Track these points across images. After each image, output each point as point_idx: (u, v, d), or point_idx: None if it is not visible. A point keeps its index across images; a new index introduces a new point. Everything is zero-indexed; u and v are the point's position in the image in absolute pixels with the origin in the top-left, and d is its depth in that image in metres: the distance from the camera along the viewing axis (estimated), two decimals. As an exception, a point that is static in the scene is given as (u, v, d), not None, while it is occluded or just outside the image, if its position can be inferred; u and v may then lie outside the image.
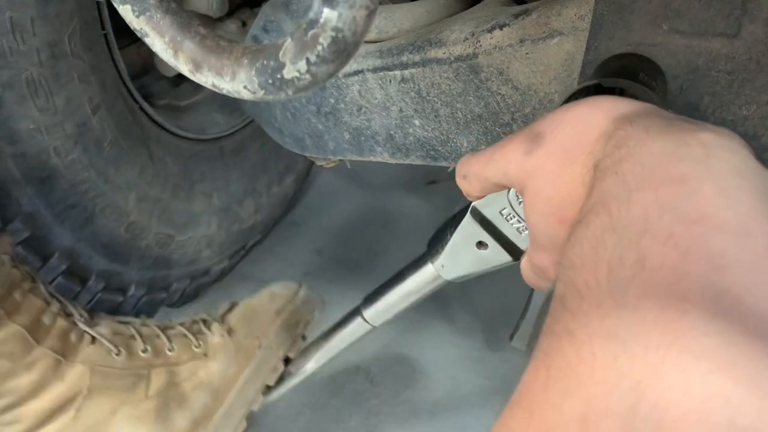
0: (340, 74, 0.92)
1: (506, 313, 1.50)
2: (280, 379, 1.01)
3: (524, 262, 0.59)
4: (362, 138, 0.96)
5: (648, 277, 0.31)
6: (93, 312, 0.97)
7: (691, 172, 0.36)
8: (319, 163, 1.14)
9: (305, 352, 0.94)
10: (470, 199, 0.61)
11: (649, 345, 0.29)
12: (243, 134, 1.41)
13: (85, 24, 0.97)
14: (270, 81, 0.42)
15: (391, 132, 0.93)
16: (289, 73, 0.40)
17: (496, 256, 0.61)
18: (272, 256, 1.58)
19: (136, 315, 1.26)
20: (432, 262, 0.68)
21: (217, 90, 0.45)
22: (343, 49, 0.39)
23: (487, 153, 0.53)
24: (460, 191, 0.60)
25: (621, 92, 0.57)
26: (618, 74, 0.63)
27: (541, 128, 0.48)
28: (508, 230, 0.59)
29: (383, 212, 1.75)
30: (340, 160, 1.09)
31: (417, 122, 0.88)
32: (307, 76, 0.41)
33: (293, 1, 0.94)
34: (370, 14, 0.38)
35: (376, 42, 0.89)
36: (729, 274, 0.31)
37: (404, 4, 0.89)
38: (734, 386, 0.27)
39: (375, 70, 0.88)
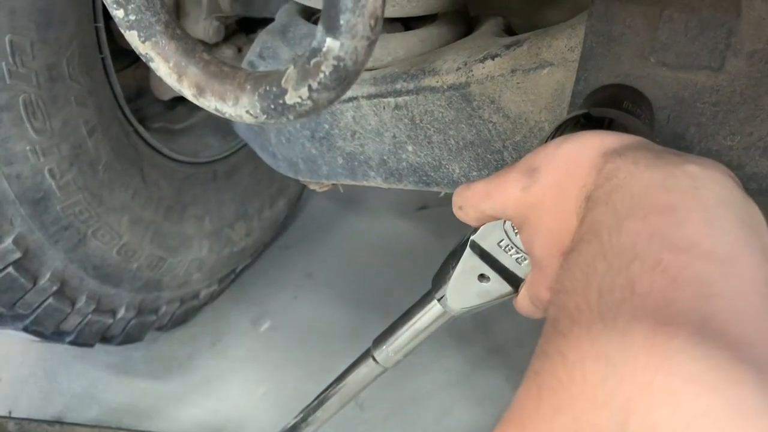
0: (334, 100, 0.93)
1: (496, 339, 1.51)
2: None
3: (522, 293, 0.61)
4: (356, 163, 0.97)
5: (637, 301, 0.33)
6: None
7: (679, 202, 0.38)
8: (312, 187, 1.15)
9: (318, 401, 0.92)
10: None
11: (638, 366, 0.30)
12: (236, 158, 1.42)
13: (83, 48, 0.98)
14: (272, 106, 0.43)
15: (385, 157, 0.94)
16: (291, 98, 0.42)
17: (498, 287, 0.62)
18: (263, 280, 1.58)
19: (126, 338, 1.26)
20: (437, 299, 0.68)
21: (219, 114, 0.46)
22: (344, 77, 0.40)
23: (484, 187, 0.55)
24: (450, 217, 0.61)
25: (610, 122, 0.59)
26: (606, 104, 0.64)
27: (535, 163, 0.50)
28: (508, 261, 0.61)
29: (375, 236, 1.76)
30: (334, 184, 1.10)
31: (410, 148, 0.90)
32: (309, 102, 0.42)
33: (289, 29, 0.96)
34: (371, 44, 0.40)
35: (371, 69, 0.91)
36: (715, 301, 0.32)
37: (399, 33, 0.91)
38: (721, 408, 0.28)
39: (369, 97, 0.89)
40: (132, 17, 0.45)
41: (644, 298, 0.33)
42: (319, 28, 0.40)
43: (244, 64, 1.06)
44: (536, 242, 0.52)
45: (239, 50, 1.29)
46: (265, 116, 0.44)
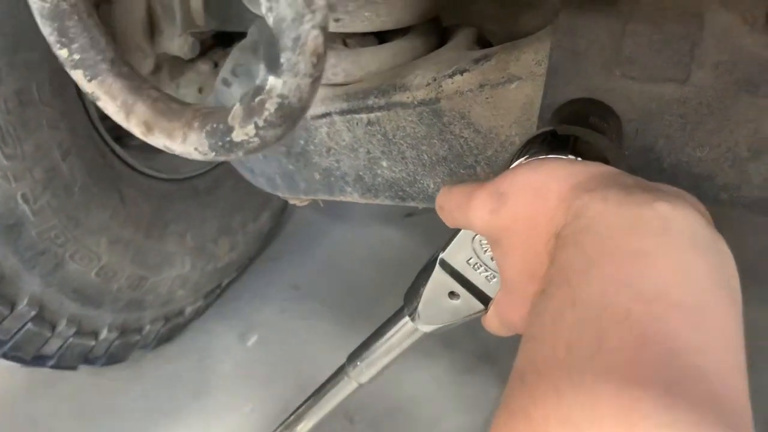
0: (308, 116, 0.93)
1: (485, 345, 1.50)
2: None
3: (491, 310, 0.60)
4: (332, 178, 0.97)
5: (605, 359, 0.32)
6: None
7: (648, 247, 0.37)
8: (291, 202, 1.15)
9: (294, 417, 0.93)
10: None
11: None
12: (217, 172, 1.41)
13: (54, 71, 0.97)
14: (220, 143, 0.42)
15: (360, 173, 0.93)
16: (238, 136, 0.41)
17: (469, 305, 0.62)
18: (249, 294, 1.58)
19: (109, 358, 1.25)
20: (409, 316, 0.68)
21: (169, 152, 0.45)
22: (289, 114, 0.40)
23: (458, 197, 0.55)
24: (438, 223, 0.61)
25: (575, 139, 0.58)
26: (573, 119, 0.64)
27: (503, 188, 0.50)
28: (477, 279, 0.60)
29: (361, 245, 1.75)
30: (313, 199, 1.10)
31: (384, 164, 0.89)
32: (256, 140, 0.41)
33: (260, 45, 0.96)
34: (315, 81, 0.39)
35: (343, 85, 0.90)
36: (683, 357, 0.32)
37: (370, 48, 0.90)
38: None
39: (342, 112, 0.89)
40: (77, 56, 0.44)
41: (612, 356, 0.32)
42: (262, 67, 0.39)
43: (217, 81, 1.05)
44: (507, 266, 0.51)
45: (215, 65, 1.28)
46: (214, 153, 0.43)
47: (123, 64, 0.45)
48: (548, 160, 0.51)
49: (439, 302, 0.64)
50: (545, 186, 0.47)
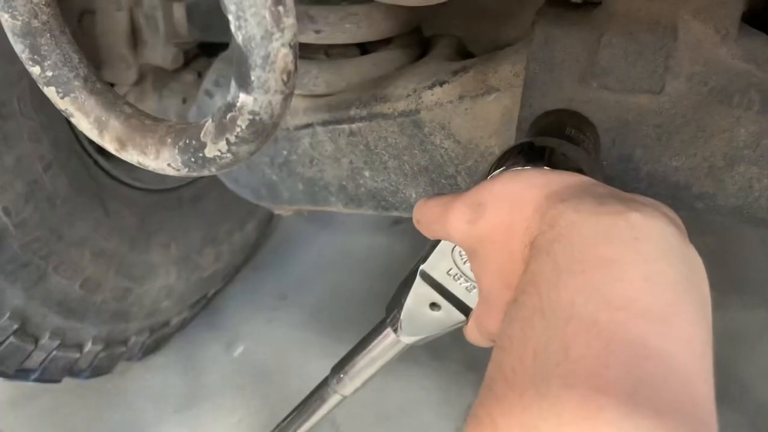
0: (291, 127, 0.93)
1: (473, 354, 1.50)
2: None
3: (470, 321, 0.61)
4: (315, 188, 0.97)
5: (570, 367, 0.32)
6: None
7: (618, 256, 0.37)
8: (276, 211, 1.15)
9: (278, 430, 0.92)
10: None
11: None
12: (202, 182, 1.41)
13: (35, 84, 0.97)
14: (193, 159, 0.42)
15: (343, 183, 0.93)
16: (210, 152, 0.41)
17: (450, 316, 0.62)
18: (235, 304, 1.57)
19: (94, 371, 1.24)
20: (391, 328, 0.68)
21: (143, 167, 0.45)
22: (261, 130, 0.40)
23: (434, 209, 0.55)
24: None
25: (551, 151, 0.58)
26: (550, 131, 0.64)
27: (481, 198, 0.50)
28: (457, 290, 0.60)
29: (348, 254, 1.75)
30: (297, 209, 1.10)
31: (367, 174, 0.90)
32: (228, 155, 0.41)
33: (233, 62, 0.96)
34: (286, 98, 0.39)
35: (326, 96, 0.91)
36: (647, 364, 0.32)
37: (352, 59, 0.90)
38: None
39: (324, 123, 0.89)
40: (49, 73, 0.44)
41: (578, 364, 0.32)
42: (233, 84, 0.39)
43: (200, 93, 1.05)
44: (484, 275, 0.52)
45: (199, 75, 1.28)
46: (187, 169, 0.43)
47: (96, 80, 0.45)
48: (525, 170, 0.52)
49: (420, 314, 0.64)
50: (521, 196, 0.47)
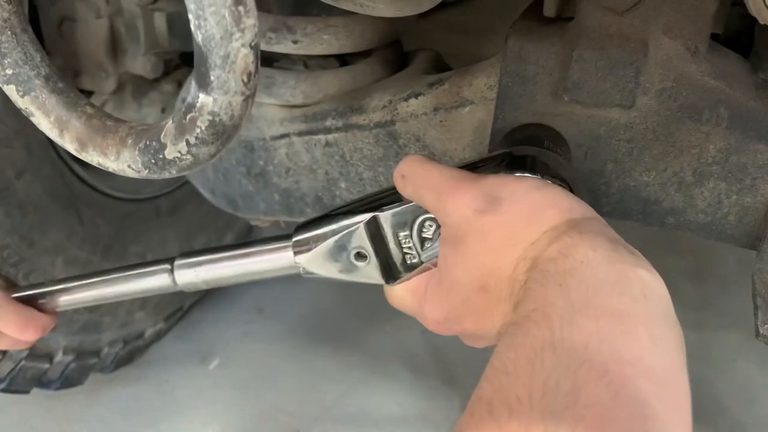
0: (267, 137, 0.93)
1: (450, 370, 1.49)
2: None
3: (403, 293, 0.59)
4: (291, 199, 0.97)
5: (580, 413, 0.33)
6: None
7: (629, 310, 0.39)
8: (253, 223, 1.14)
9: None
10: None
11: None
12: (180, 192, 1.39)
13: (9, 88, 0.96)
14: (153, 161, 0.42)
15: (319, 194, 0.93)
16: (170, 153, 0.41)
17: (370, 273, 0.59)
18: (211, 316, 1.55)
19: (65, 382, 1.21)
20: (294, 251, 0.60)
21: (103, 168, 0.44)
22: (221, 131, 0.40)
23: (437, 178, 0.52)
24: None
25: (532, 160, 0.58)
26: (526, 143, 0.65)
27: (501, 193, 0.49)
28: (396, 254, 0.57)
29: (328, 268, 1.73)
30: (274, 220, 1.09)
31: (343, 185, 0.89)
32: (189, 157, 0.41)
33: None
34: (247, 99, 0.39)
35: (302, 106, 0.91)
36: (649, 423, 0.34)
37: (330, 70, 0.90)
38: None
39: (301, 133, 0.89)
40: (9, 71, 0.43)
41: (588, 411, 0.33)
42: (193, 84, 0.39)
43: (178, 101, 1.05)
44: (461, 267, 0.50)
45: (179, 85, 1.27)
46: (147, 171, 0.43)
47: (59, 79, 0.45)
48: (552, 185, 0.51)
49: (339, 255, 0.59)
50: (542, 210, 0.47)
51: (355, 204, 0.59)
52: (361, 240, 0.58)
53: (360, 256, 0.59)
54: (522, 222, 0.47)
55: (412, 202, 0.55)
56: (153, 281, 0.66)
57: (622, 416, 0.33)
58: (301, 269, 0.61)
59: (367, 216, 0.57)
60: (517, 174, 0.54)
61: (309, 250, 0.59)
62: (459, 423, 0.37)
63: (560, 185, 0.53)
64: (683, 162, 0.66)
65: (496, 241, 0.47)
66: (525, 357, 0.37)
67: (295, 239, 0.60)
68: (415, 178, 0.54)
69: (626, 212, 0.70)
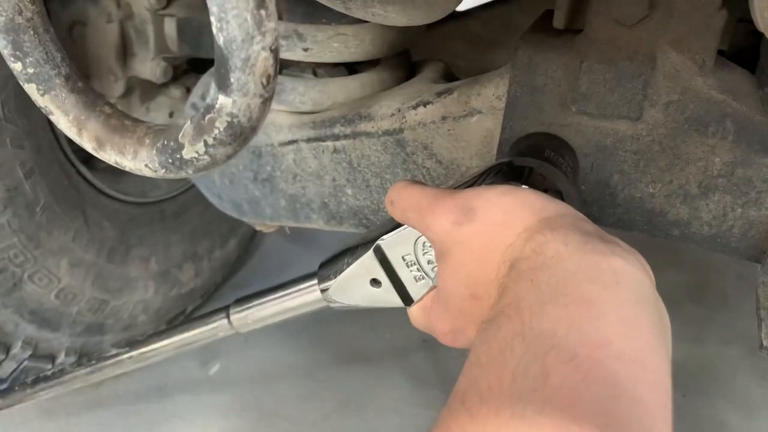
0: (275, 143, 0.94)
1: (451, 380, 1.49)
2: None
3: (418, 312, 0.61)
4: (298, 205, 0.97)
5: (548, 393, 0.33)
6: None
7: (600, 296, 0.39)
8: (258, 228, 1.14)
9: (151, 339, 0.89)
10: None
11: None
12: (185, 197, 1.40)
13: (20, 89, 0.97)
14: (170, 161, 0.42)
15: (325, 200, 0.94)
16: (188, 153, 0.41)
17: (387, 297, 0.62)
18: (213, 321, 1.55)
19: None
20: (319, 286, 0.67)
21: (120, 168, 0.45)
22: (239, 133, 0.40)
23: (418, 198, 0.54)
24: None
25: (530, 171, 0.59)
26: (530, 152, 0.65)
27: (475, 204, 0.50)
28: (406, 276, 0.60)
29: (330, 276, 1.74)
30: (279, 225, 1.10)
31: (349, 191, 0.90)
32: (206, 157, 0.41)
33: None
34: (265, 101, 0.39)
35: (310, 113, 0.91)
36: (620, 402, 0.34)
37: (339, 78, 0.91)
38: None
39: (309, 140, 0.90)
40: (30, 70, 0.44)
41: (555, 392, 0.33)
42: (212, 86, 0.40)
43: (187, 106, 1.06)
44: (450, 279, 0.52)
45: (187, 90, 1.28)
46: (164, 170, 0.43)
47: (78, 79, 0.45)
48: (522, 188, 0.52)
49: (357, 284, 0.63)
50: (514, 213, 0.48)
51: (367, 235, 0.63)
52: (372, 268, 0.61)
53: (375, 282, 0.62)
54: (497, 227, 0.48)
55: (407, 226, 0.58)
56: (217, 332, 0.78)
57: (591, 396, 0.33)
58: (329, 302, 0.67)
59: (371, 245, 0.61)
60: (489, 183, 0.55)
61: (331, 284, 0.65)
62: (438, 418, 0.37)
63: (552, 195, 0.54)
64: (689, 174, 0.67)
65: (476, 249, 0.49)
66: (497, 348, 0.38)
67: (318, 274, 0.67)
68: (400, 201, 0.57)
69: (631, 223, 0.70)
